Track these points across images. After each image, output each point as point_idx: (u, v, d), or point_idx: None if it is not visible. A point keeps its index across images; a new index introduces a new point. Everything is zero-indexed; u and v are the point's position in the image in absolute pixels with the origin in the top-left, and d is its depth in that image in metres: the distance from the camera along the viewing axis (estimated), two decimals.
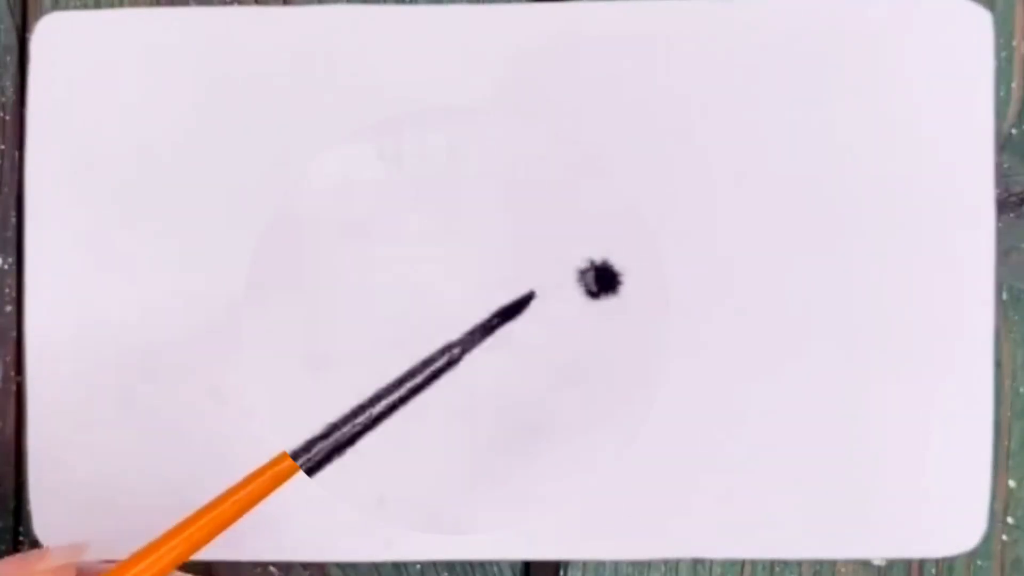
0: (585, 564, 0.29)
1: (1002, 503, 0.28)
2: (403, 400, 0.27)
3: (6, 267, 0.29)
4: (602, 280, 0.28)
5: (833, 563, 0.28)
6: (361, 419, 0.27)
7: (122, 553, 0.28)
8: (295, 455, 0.26)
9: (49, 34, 0.29)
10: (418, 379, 0.27)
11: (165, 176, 0.28)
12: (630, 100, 0.28)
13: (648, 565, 0.28)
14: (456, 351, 0.28)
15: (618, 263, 0.28)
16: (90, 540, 0.28)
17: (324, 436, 0.27)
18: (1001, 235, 0.28)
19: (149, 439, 0.28)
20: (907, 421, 0.28)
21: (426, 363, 0.27)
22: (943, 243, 0.28)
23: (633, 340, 0.28)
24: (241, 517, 0.24)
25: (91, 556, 0.28)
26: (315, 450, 0.27)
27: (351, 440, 0.27)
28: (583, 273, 0.28)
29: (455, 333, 0.28)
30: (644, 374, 0.28)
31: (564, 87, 0.28)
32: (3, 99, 0.29)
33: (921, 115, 0.28)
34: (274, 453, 0.26)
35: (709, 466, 0.28)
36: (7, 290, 0.29)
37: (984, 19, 0.28)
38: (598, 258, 0.28)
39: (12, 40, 0.29)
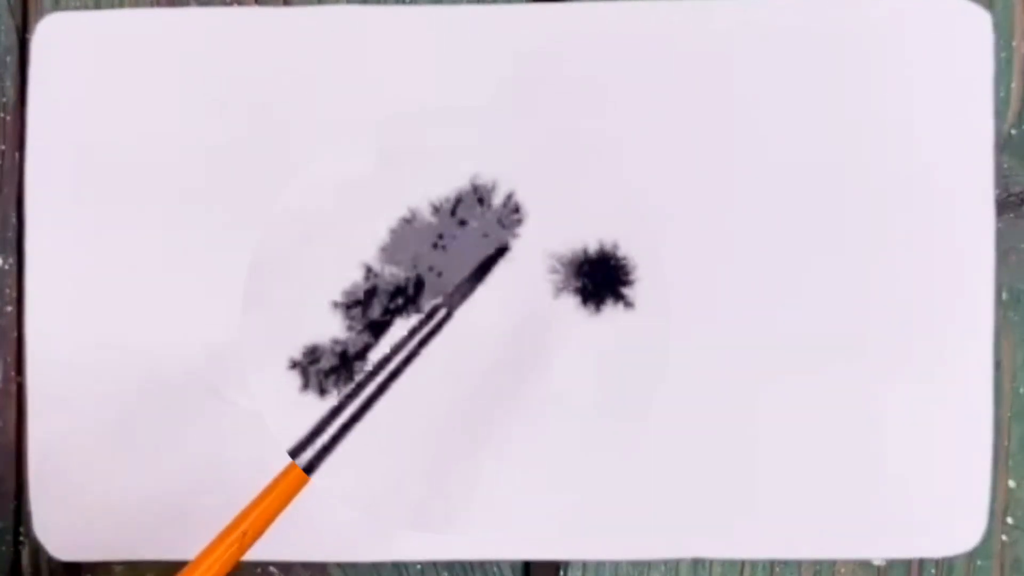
0: (585, 564, 0.29)
1: (1002, 503, 0.28)
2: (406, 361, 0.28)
3: (7, 267, 0.29)
4: (603, 279, 0.28)
5: (833, 563, 0.28)
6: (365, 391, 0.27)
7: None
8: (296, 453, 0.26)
9: (49, 35, 0.29)
10: (412, 343, 0.28)
11: (165, 176, 0.28)
12: (629, 101, 0.28)
13: (648, 565, 0.28)
14: (443, 310, 0.28)
15: (620, 262, 0.28)
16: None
17: (322, 427, 0.27)
18: (1001, 235, 0.28)
19: (149, 439, 0.28)
20: (907, 421, 0.28)
21: (414, 330, 0.28)
22: (943, 243, 0.28)
23: (634, 340, 0.28)
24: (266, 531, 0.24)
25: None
26: (315, 444, 0.27)
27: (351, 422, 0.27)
28: (585, 272, 0.28)
29: (458, 333, 0.28)
30: (644, 374, 0.28)
31: (564, 88, 0.28)
32: (4, 100, 0.29)
33: (921, 116, 0.28)
34: (274, 454, 0.26)
35: (709, 466, 0.28)
36: (8, 290, 0.29)
37: (984, 20, 0.28)
38: (600, 258, 0.28)
39: (13, 41, 0.29)
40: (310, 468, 0.26)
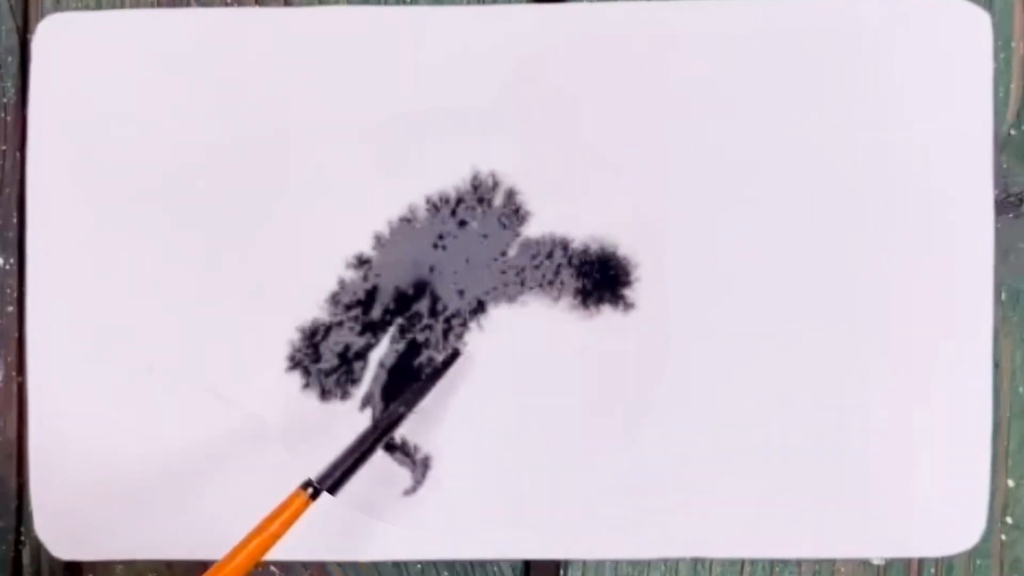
0: (585, 564, 0.29)
1: (1001, 503, 0.28)
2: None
3: (8, 268, 0.29)
4: (603, 280, 0.28)
5: (832, 563, 0.28)
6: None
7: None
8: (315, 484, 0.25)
9: (50, 35, 0.29)
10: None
11: (165, 176, 0.28)
12: (629, 101, 0.28)
13: (648, 565, 0.29)
14: (401, 409, 0.27)
15: (620, 263, 0.28)
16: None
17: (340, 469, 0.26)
18: (1000, 235, 0.28)
19: (149, 439, 0.28)
20: (906, 421, 0.28)
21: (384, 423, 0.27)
22: (942, 243, 0.28)
23: (634, 340, 0.28)
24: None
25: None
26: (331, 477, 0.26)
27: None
28: (584, 273, 0.28)
29: (457, 335, 0.28)
30: (644, 374, 0.28)
31: (564, 89, 0.28)
32: (4, 100, 0.29)
33: (920, 116, 0.28)
34: (274, 454, 0.26)
35: (709, 466, 0.28)
36: (9, 291, 0.29)
37: (983, 21, 0.28)
38: (600, 258, 0.28)
39: (13, 41, 0.29)
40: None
